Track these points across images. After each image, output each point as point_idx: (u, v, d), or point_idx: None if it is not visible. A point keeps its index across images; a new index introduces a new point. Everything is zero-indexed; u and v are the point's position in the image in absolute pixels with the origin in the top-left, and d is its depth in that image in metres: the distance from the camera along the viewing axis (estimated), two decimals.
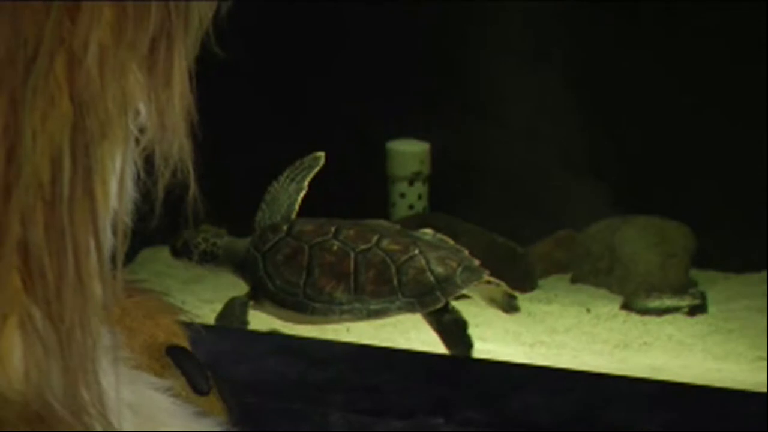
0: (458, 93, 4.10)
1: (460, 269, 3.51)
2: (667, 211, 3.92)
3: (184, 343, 3.02)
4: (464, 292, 3.52)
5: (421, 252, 3.48)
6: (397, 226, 3.68)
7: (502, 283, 3.62)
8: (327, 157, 3.79)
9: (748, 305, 3.77)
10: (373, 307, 3.53)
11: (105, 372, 1.81)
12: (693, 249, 3.83)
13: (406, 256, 3.47)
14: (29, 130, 1.87)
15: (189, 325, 3.12)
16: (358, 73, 4.12)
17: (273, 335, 3.61)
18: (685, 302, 3.75)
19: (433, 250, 3.55)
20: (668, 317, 3.72)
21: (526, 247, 3.97)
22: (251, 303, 3.51)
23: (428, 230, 3.66)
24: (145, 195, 1.85)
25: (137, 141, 1.84)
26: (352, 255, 3.48)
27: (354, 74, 4.12)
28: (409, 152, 4.02)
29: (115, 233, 1.86)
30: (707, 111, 4.01)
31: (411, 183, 4.01)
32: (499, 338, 3.71)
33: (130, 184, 1.92)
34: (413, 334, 3.73)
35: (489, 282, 3.56)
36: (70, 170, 1.78)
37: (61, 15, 1.85)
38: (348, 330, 3.86)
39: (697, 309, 3.75)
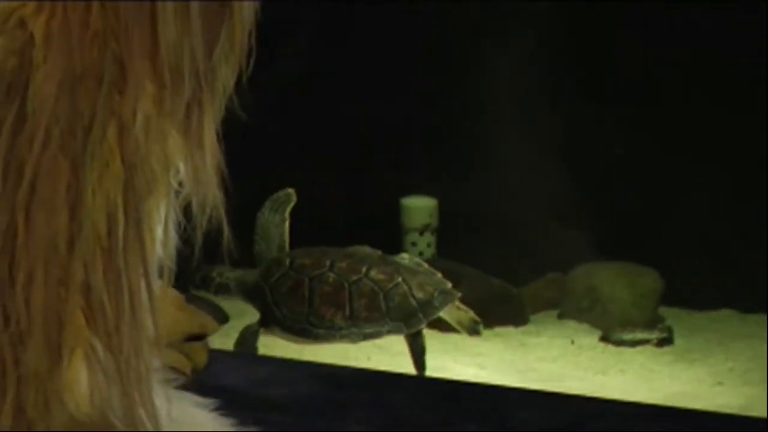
0: (460, 154, 4.17)
1: (436, 293, 3.58)
2: (641, 255, 3.99)
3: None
4: (440, 314, 3.58)
5: (403, 279, 3.56)
6: (379, 252, 3.68)
7: (470, 311, 3.62)
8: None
9: (707, 338, 3.84)
10: (367, 330, 3.60)
11: (157, 393, 1.81)
12: (661, 290, 3.91)
13: (391, 284, 3.55)
14: (89, 190, 1.77)
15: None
16: (372, 139, 4.16)
17: (305, 363, 3.60)
18: (654, 335, 3.82)
19: (413, 276, 3.62)
20: (640, 348, 3.79)
21: (519, 287, 4.06)
22: (261, 330, 3.58)
23: (405, 255, 3.78)
24: (185, 240, 1.89)
25: (177, 194, 1.82)
26: (346, 286, 3.56)
27: (369, 141, 4.16)
28: (420, 207, 4.10)
29: (161, 275, 1.85)
30: (675, 167, 4.00)
31: (421, 233, 4.08)
32: (497, 366, 3.75)
33: (173, 231, 1.88)
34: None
35: (459, 308, 3.61)
36: (124, 223, 1.77)
37: (111, 91, 1.78)
38: (369, 359, 3.87)
39: (665, 341, 3.83)
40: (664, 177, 3.99)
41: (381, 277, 3.60)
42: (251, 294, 3.65)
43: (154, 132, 1.86)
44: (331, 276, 3.61)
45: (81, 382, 1.82)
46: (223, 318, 3.52)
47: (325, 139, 4.26)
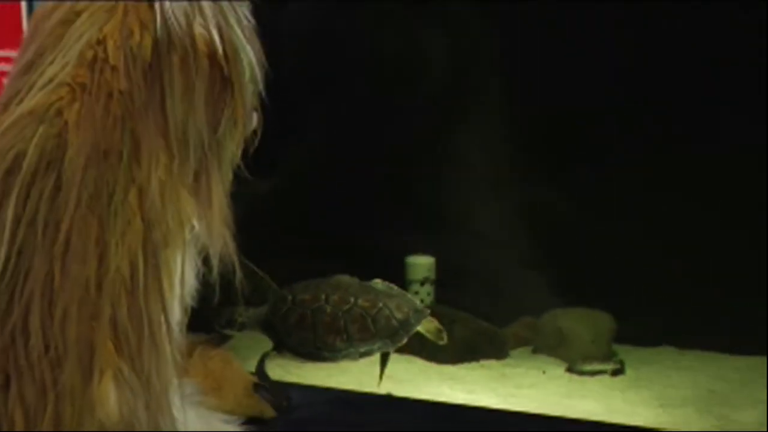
0: (450, 221, 4.32)
1: (411, 312, 3.62)
2: (598, 300, 4.11)
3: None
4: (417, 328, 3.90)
5: (384, 304, 3.52)
6: (357, 280, 3.59)
7: (435, 321, 3.97)
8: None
9: (652, 369, 3.94)
10: (361, 350, 3.55)
11: (177, 407, 1.86)
12: (614, 330, 4.07)
13: (375, 310, 3.49)
14: (113, 242, 1.85)
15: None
16: (379, 212, 4.29)
17: (326, 389, 3.64)
18: (609, 367, 3.94)
19: (390, 299, 3.58)
20: (598, 377, 3.92)
21: (502, 328, 4.18)
22: (275, 354, 3.56)
23: (378, 280, 3.99)
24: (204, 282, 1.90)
25: (196, 245, 1.88)
26: (341, 315, 3.52)
27: (376, 213, 4.30)
28: (421, 264, 4.26)
29: (181, 309, 1.88)
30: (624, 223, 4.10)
31: (422, 284, 4.24)
32: (483, 392, 3.88)
33: (190, 275, 1.91)
34: (424, 388, 3.82)
35: (428, 320, 3.89)
36: (143, 269, 1.86)
37: (130, 162, 1.90)
38: (378, 386, 4.09)
39: (618, 371, 3.94)
40: (609, 233, 4.05)
41: (366, 304, 3.69)
42: (265, 327, 3.62)
43: (168, 194, 2.01)
44: (328, 308, 3.60)
45: (110, 397, 1.92)
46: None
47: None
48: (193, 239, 2.09)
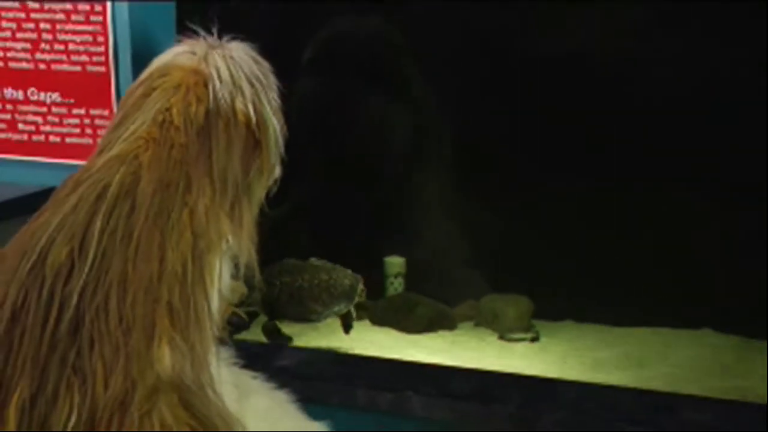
0: (416, 230, 4.40)
1: (354, 279, 3.97)
2: (520, 287, 4.22)
3: None
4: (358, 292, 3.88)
5: (336, 276, 3.94)
6: (302, 262, 4.00)
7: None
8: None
9: (558, 337, 4.10)
10: (334, 310, 3.98)
11: (214, 366, 2.06)
12: (532, 309, 4.18)
13: (333, 280, 3.94)
14: (170, 248, 2.03)
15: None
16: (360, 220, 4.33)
17: (323, 350, 3.93)
18: (529, 336, 4.09)
19: (336, 272, 3.97)
20: (521, 343, 4.10)
21: (453, 308, 4.27)
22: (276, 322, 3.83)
23: (314, 259, 4.05)
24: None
25: (229, 254, 2.10)
26: (314, 288, 3.94)
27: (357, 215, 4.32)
28: (395, 262, 4.35)
29: (219, 298, 2.08)
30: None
31: (395, 277, 4.36)
32: (439, 354, 4.01)
33: (226, 274, 2.14)
34: (397, 351, 3.94)
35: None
36: (192, 268, 2.06)
37: (185, 192, 2.09)
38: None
39: (535, 339, 4.10)
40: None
41: (326, 277, 3.96)
42: (265, 307, 3.98)
43: (211, 216, 2.13)
44: (305, 284, 3.96)
45: (165, 357, 2.01)
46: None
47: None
48: (228, 250, 2.20)
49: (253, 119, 2.28)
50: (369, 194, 4.39)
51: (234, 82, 2.30)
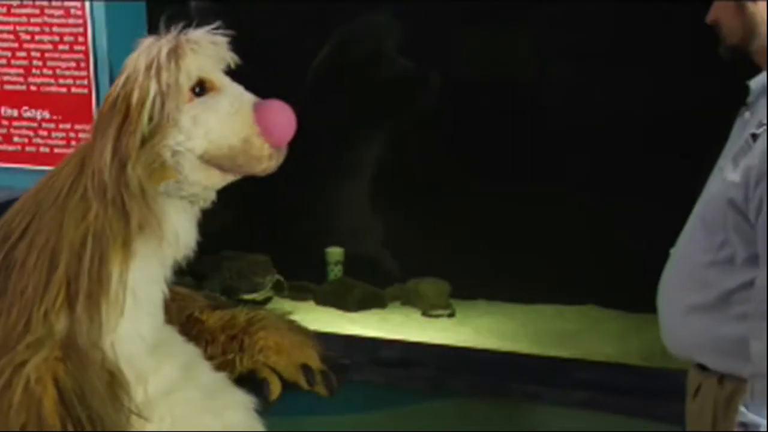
0: (353, 225, 4.39)
1: (265, 260, 4.12)
2: (438, 271, 4.21)
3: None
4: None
5: (252, 257, 4.11)
6: (230, 252, 4.11)
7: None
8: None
9: (471, 313, 4.09)
10: (270, 278, 4.13)
11: (128, 330, 1.99)
12: (449, 290, 4.21)
13: (254, 258, 4.12)
14: (71, 228, 1.95)
15: None
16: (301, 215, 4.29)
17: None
18: (447, 312, 4.08)
19: (247, 257, 4.11)
20: (440, 319, 4.16)
21: (383, 290, 4.32)
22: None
23: (226, 251, 4.13)
24: None
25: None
26: (250, 265, 4.12)
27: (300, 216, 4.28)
28: (335, 252, 4.36)
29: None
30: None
31: (336, 265, 4.36)
32: (373, 328, 4.05)
33: (153, 262, 2.02)
34: (338, 326, 3.93)
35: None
36: (91, 249, 1.95)
37: (83, 194, 1.97)
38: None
39: (451, 315, 4.14)
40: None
41: (249, 258, 4.17)
42: (223, 291, 4.04)
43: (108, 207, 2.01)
44: (242, 264, 4.15)
45: (61, 319, 2.01)
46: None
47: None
48: (152, 239, 2.08)
49: (134, 101, 2.03)
50: (317, 193, 4.39)
51: (138, 68, 2.06)
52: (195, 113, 2.05)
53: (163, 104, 1.99)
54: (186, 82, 2.04)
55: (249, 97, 2.10)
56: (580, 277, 3.87)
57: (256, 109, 2.07)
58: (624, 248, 3.37)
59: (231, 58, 2.11)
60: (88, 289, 1.96)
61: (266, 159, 2.07)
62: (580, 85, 3.77)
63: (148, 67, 2.01)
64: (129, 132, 1.98)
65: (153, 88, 1.99)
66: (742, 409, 1.99)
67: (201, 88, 2.07)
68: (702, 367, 2.17)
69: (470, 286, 4.14)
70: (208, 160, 2.08)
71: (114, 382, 1.98)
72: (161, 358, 2.15)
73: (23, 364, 1.89)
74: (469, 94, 3.90)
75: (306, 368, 2.59)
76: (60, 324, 1.96)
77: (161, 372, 2.12)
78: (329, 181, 4.19)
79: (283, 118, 2.08)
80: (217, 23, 2.10)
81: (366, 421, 3.24)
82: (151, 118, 1.99)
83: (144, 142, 2.00)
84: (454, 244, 4.03)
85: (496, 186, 3.97)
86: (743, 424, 1.98)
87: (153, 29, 2.15)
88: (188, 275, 3.48)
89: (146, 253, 2.05)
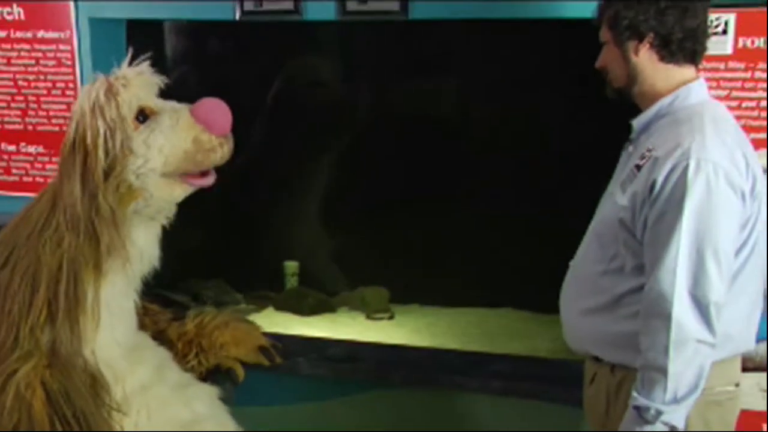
0: (307, 239, 4.23)
1: (224, 284, 3.97)
2: (381, 280, 4.08)
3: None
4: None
5: (216, 284, 3.94)
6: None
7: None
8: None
9: (408, 316, 4.05)
10: (234, 301, 3.95)
11: (106, 339, 1.97)
12: (388, 296, 4.10)
13: (220, 287, 3.95)
14: (47, 255, 1.87)
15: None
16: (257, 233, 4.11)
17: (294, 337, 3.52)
18: (387, 315, 4.08)
19: (212, 282, 3.94)
20: (382, 321, 4.06)
21: (332, 297, 4.23)
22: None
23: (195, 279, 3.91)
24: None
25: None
26: (222, 285, 3.95)
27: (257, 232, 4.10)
28: (291, 265, 4.28)
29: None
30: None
31: (292, 276, 4.27)
32: (324, 330, 3.93)
33: (123, 281, 2.03)
34: (294, 329, 3.84)
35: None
36: (66, 271, 1.90)
37: (57, 224, 1.92)
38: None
39: (391, 317, 4.07)
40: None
41: (217, 279, 3.97)
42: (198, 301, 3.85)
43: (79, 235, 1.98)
44: (218, 291, 3.98)
45: (46, 332, 1.97)
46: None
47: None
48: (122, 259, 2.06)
49: (89, 141, 2.03)
50: (275, 214, 4.28)
51: (84, 112, 2.04)
52: (144, 137, 2.06)
53: (113, 137, 2.00)
54: (129, 114, 2.05)
55: (182, 106, 2.12)
56: (499, 285, 3.90)
57: (193, 112, 2.09)
58: (536, 259, 3.34)
59: (158, 81, 2.12)
60: (66, 306, 1.96)
61: (219, 148, 2.07)
62: (498, 113, 3.74)
63: (92, 110, 2.01)
64: (92, 168, 1.99)
65: (101, 125, 2.00)
66: (635, 393, 2.04)
67: (143, 116, 2.08)
68: (596, 359, 2.25)
69: (407, 292, 4.13)
70: (172, 171, 2.08)
71: (95, 383, 2.00)
72: (136, 361, 2.18)
73: (14, 372, 1.91)
74: (399, 125, 3.89)
75: (262, 348, 2.69)
76: (45, 337, 1.97)
77: (136, 372, 2.15)
78: (285, 202, 4.14)
79: (218, 110, 2.07)
80: (146, 55, 2.11)
81: (317, 409, 3.32)
82: (107, 152, 2.00)
83: (107, 174, 2.02)
84: (394, 257, 4.03)
85: (428, 208, 3.95)
86: (636, 408, 2.03)
87: None
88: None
89: (116, 271, 2.07)
